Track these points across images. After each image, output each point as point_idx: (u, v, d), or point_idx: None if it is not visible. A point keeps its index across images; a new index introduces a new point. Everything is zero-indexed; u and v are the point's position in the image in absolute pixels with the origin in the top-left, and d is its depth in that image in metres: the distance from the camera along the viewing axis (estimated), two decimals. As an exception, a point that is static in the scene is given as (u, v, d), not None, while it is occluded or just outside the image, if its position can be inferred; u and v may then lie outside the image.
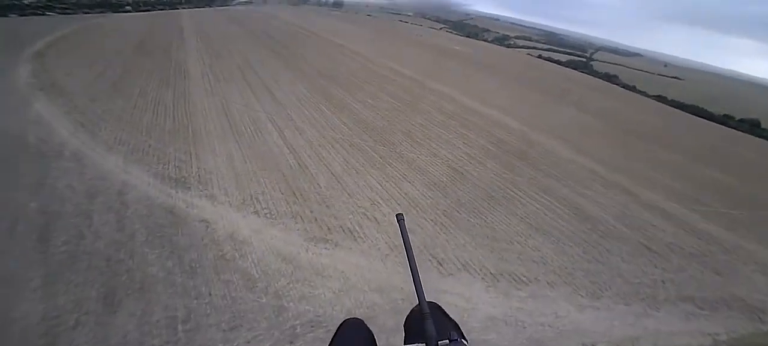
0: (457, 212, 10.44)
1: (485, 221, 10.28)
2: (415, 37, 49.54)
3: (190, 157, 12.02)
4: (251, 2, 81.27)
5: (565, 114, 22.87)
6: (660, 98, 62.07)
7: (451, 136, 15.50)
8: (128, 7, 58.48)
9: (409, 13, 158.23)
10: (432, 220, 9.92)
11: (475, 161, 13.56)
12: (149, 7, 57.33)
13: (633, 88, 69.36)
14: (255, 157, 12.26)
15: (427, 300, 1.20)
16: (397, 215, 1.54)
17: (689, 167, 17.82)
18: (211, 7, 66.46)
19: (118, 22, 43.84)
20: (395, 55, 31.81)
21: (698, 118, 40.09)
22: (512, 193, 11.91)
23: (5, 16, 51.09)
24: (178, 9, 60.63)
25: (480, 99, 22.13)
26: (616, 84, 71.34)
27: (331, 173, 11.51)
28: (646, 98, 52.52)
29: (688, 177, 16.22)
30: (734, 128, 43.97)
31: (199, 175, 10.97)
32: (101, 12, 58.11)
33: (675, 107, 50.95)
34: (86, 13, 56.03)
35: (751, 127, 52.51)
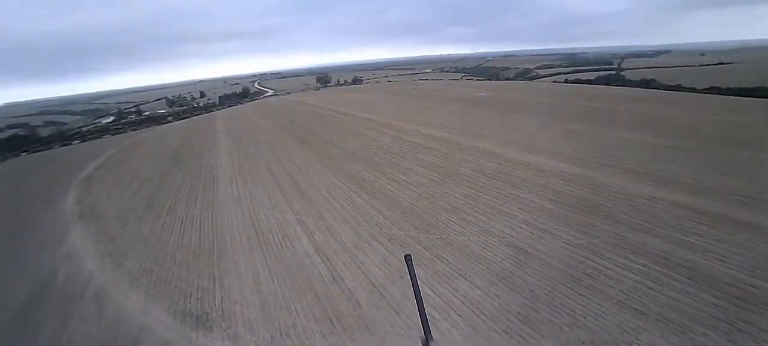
0: (535, 310, 8.26)
1: (574, 316, 8.00)
2: (438, 94, 49.37)
3: (214, 285, 11.01)
4: (277, 93, 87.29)
5: (621, 139, 20.17)
6: (713, 89, 56.29)
7: (501, 202, 13.53)
8: (170, 119, 64.54)
9: (427, 70, 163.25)
10: (505, 330, 7.81)
11: (537, 230, 11.40)
12: (188, 115, 62.77)
13: (678, 87, 63.98)
14: (284, 274, 11.00)
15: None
16: (405, 256, 1.85)
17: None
18: (242, 104, 71.60)
19: (160, 134, 47.64)
20: (423, 118, 31.09)
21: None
22: (595, 264, 9.55)
23: (69, 143, 58.19)
24: (213, 111, 65.77)
25: (522, 146, 20.19)
26: (656, 88, 66.43)
27: (372, 284, 9.87)
28: (698, 94, 47.53)
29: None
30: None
31: (222, 308, 9.81)
32: (146, 126, 64.49)
33: (735, 95, 45.46)
34: (134, 129, 62.46)
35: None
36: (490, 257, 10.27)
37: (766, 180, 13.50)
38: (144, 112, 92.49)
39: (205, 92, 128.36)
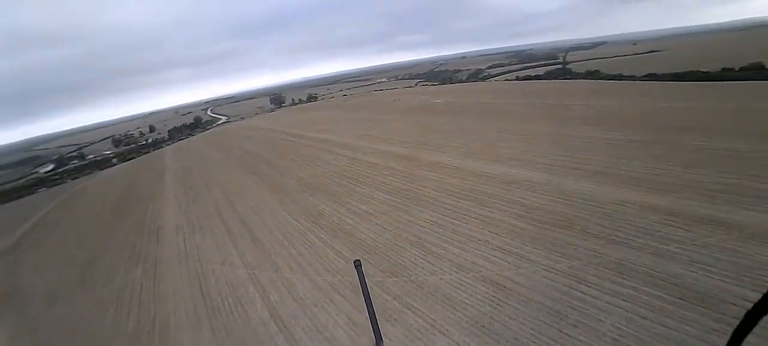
0: (524, 364, 7.10)
1: (569, 366, 6.90)
2: (394, 104, 48.69)
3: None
4: (230, 120, 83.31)
5: (581, 137, 20.03)
6: (651, 76, 60.15)
7: (471, 226, 12.48)
8: (114, 161, 59.18)
9: (383, 79, 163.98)
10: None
11: (513, 257, 10.38)
12: (135, 155, 57.73)
13: (619, 76, 67.87)
14: (234, 354, 9.22)
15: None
16: (355, 262, 2.00)
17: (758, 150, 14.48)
18: (193, 135, 67.33)
19: (103, 181, 43.38)
20: (380, 133, 29.98)
21: (701, 82, 37.46)
22: (581, 294, 8.59)
23: (-1, 203, 51.46)
24: (162, 147, 61.16)
25: (484, 156, 19.50)
26: (601, 78, 70.12)
27: (336, 355, 8.36)
28: (639, 82, 50.32)
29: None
30: (740, 79, 41.18)
31: None
32: (88, 173, 58.55)
33: (672, 80, 48.54)
34: (74, 178, 56.31)
35: (756, 71, 49.85)
36: (466, 300, 9.07)
37: (723, 167, 13.43)
38: (87, 155, 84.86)
39: (155, 126, 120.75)
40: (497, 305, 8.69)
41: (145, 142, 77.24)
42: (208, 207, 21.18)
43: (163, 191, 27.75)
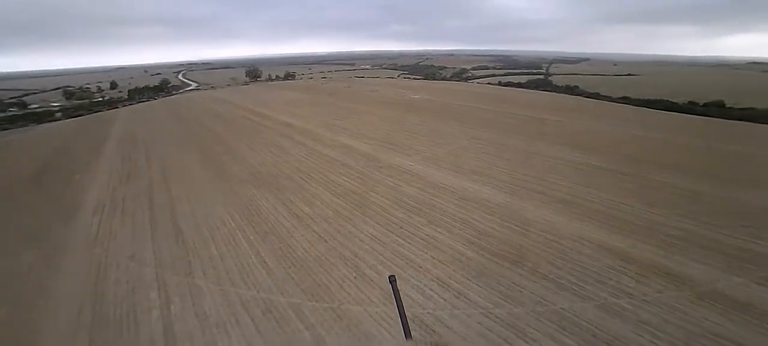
0: None
1: None
2: (371, 94, 46.93)
3: None
4: (200, 87, 78.36)
5: (551, 157, 19.21)
6: (625, 99, 61.42)
7: (414, 248, 11.20)
8: (58, 115, 53.82)
9: (366, 66, 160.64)
10: None
11: (451, 294, 9.18)
12: (84, 112, 52.40)
13: (597, 95, 69.01)
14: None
15: None
16: (389, 277, 2.01)
17: (725, 198, 14.00)
18: (156, 99, 62.74)
19: (34, 137, 39.39)
20: (348, 124, 28.33)
21: (669, 113, 38.11)
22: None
23: None
24: (117, 108, 56.49)
25: (448, 164, 18.32)
26: (579, 95, 71.02)
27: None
28: (615, 103, 51.05)
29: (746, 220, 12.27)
30: (702, 115, 42.55)
31: None
32: (23, 125, 52.92)
33: (643, 106, 49.60)
34: (4, 129, 50.19)
35: (717, 109, 51.90)
36: (387, 344, 7.75)
37: (682, 210, 12.83)
38: (30, 104, 77.26)
39: (118, 83, 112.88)
40: (422, 355, 7.42)
41: (100, 99, 70.94)
42: (140, 187, 18.96)
43: (98, 160, 25.01)
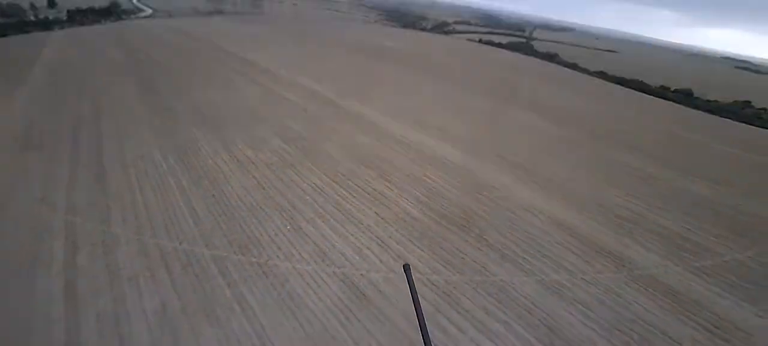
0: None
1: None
2: (343, 35, 44.07)
3: None
4: (155, 14, 70.65)
5: (517, 121, 18.70)
6: (601, 74, 61.65)
7: (358, 203, 10.43)
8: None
9: (343, 0, 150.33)
10: None
11: (390, 256, 8.59)
12: (10, 31, 45.12)
13: (574, 66, 68.70)
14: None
15: None
16: (404, 266, 1.73)
17: (681, 183, 14.11)
18: (100, 23, 55.82)
19: None
20: (312, 67, 26.31)
21: (641, 93, 38.64)
22: (447, 322, 7.10)
23: None
24: (53, 29, 49.84)
25: (410, 118, 17.36)
26: (558, 63, 70.56)
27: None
28: (590, 76, 51.17)
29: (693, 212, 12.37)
30: (672, 100, 43.62)
31: None
32: None
33: (616, 83, 50.10)
34: None
35: (685, 97, 53.49)
36: (311, 305, 7.14)
37: (636, 191, 12.79)
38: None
39: (58, 1, 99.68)
40: (346, 321, 6.88)
41: (33, 18, 61.89)
42: (64, 120, 16.77)
43: (19, 88, 21.95)
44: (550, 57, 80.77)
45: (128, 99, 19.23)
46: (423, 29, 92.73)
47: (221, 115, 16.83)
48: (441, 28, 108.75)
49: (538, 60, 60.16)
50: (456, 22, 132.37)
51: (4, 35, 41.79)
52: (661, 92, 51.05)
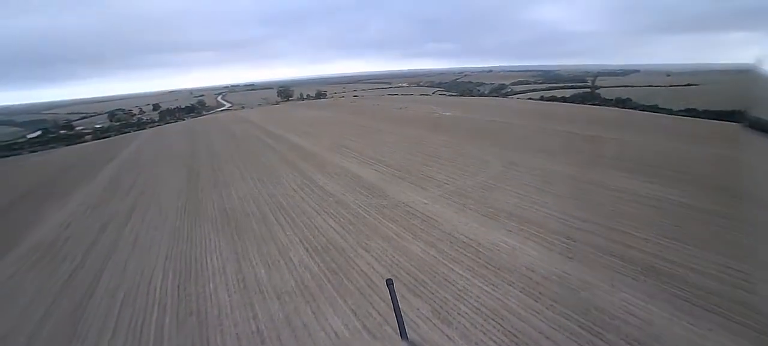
0: None
1: None
2: (399, 112, 42.88)
3: None
4: (232, 108, 78.49)
5: (618, 196, 13.74)
6: (690, 111, 52.16)
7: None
8: (87, 137, 54.77)
9: (403, 84, 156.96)
10: None
11: None
12: (113, 133, 52.38)
13: (655, 108, 59.83)
14: None
15: None
16: (387, 280, 1.75)
17: None
18: (183, 120, 62.75)
19: (45, 161, 38.44)
20: (361, 146, 24.29)
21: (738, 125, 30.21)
22: None
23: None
24: (145, 128, 56.87)
25: (476, 205, 13.46)
26: (633, 108, 62.30)
27: None
28: (677, 116, 42.80)
29: None
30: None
31: None
32: (52, 147, 51.49)
33: (713, 118, 40.97)
34: (32, 151, 48.69)
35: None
36: None
37: None
38: (77, 126, 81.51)
39: (162, 105, 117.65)
40: None
41: (136, 121, 72.84)
42: (96, 222, 15.75)
43: (90, 184, 22.63)
44: (622, 102, 72.73)
45: (166, 196, 18.21)
46: (481, 95, 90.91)
47: (254, 210, 14.57)
48: (498, 91, 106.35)
49: (609, 108, 53.39)
50: (513, 84, 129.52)
51: (106, 137, 48.10)
52: (768, 121, 40.64)
